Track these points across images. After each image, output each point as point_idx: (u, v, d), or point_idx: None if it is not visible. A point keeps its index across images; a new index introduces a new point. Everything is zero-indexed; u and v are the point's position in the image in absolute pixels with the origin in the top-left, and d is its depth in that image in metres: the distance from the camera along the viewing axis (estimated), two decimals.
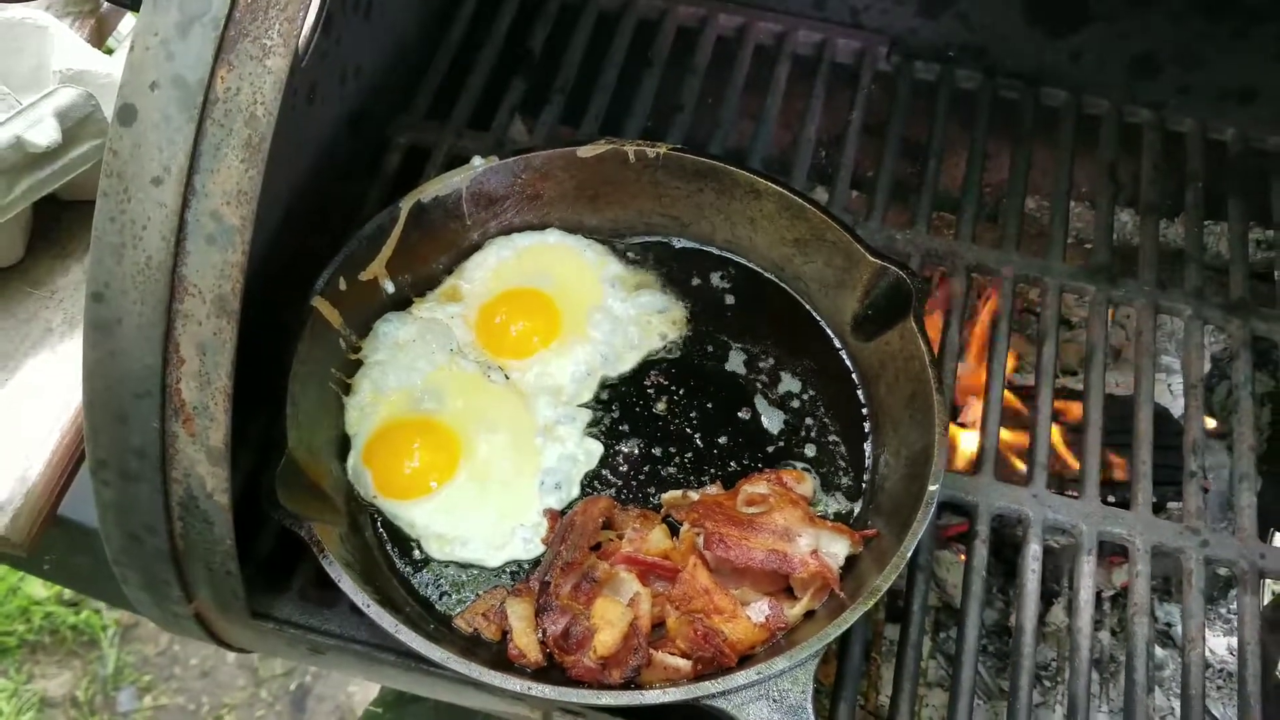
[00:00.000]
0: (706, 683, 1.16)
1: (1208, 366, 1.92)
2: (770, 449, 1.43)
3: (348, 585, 1.18)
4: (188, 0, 0.99)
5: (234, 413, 1.08)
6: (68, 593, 3.10)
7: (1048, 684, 1.70)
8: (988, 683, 1.68)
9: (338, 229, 1.49)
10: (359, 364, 1.43)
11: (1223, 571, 1.45)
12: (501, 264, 1.52)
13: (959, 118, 1.82)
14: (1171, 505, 1.68)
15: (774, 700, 1.15)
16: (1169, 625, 1.75)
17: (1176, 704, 1.66)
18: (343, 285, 1.39)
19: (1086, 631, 1.35)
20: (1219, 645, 1.74)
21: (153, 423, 1.07)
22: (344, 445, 1.39)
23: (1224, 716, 1.69)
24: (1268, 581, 1.58)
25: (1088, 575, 1.39)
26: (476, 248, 1.54)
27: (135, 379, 1.05)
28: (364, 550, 1.31)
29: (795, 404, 1.47)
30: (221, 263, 1.02)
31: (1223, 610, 1.78)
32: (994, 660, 1.70)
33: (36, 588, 3.09)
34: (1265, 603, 1.66)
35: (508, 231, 1.55)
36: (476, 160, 1.50)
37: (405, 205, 1.45)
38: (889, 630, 1.65)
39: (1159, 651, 1.72)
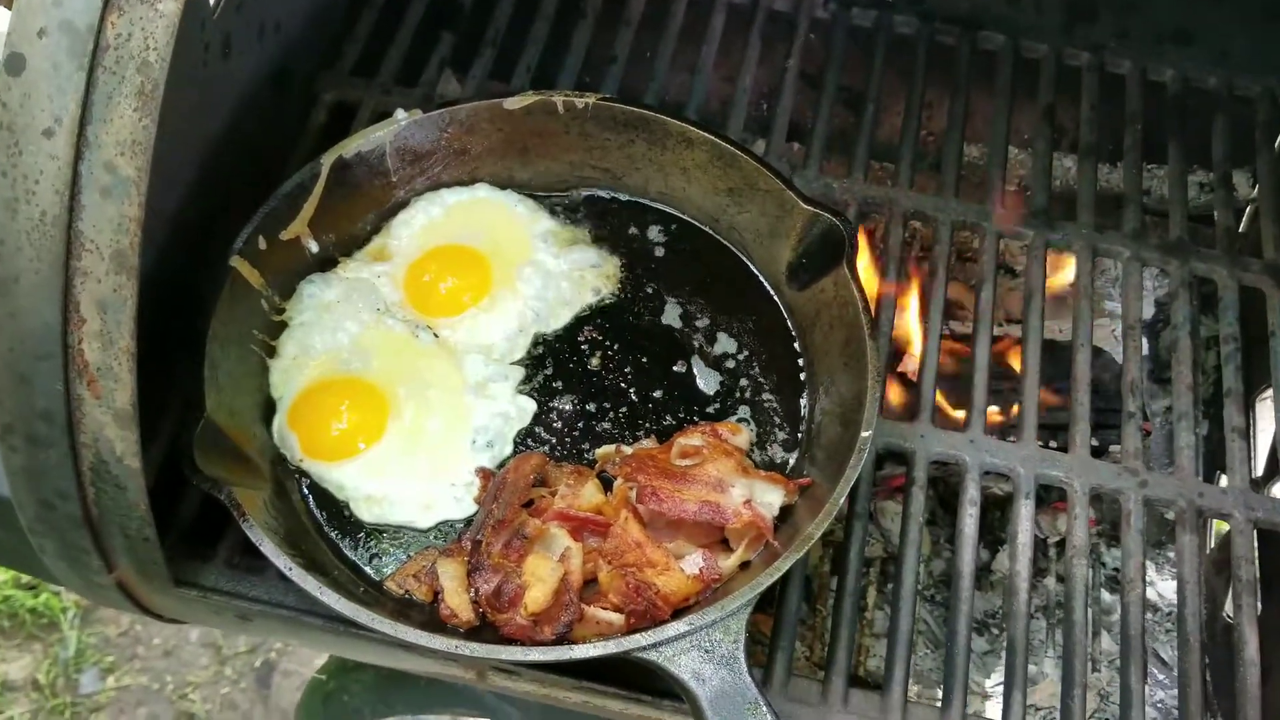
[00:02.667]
0: (636, 635, 1.14)
1: (1152, 310, 1.91)
2: (706, 403, 1.41)
3: (269, 549, 1.15)
4: None
5: (154, 376, 1.05)
6: (25, 576, 3.07)
7: (996, 631, 1.69)
8: (935, 631, 1.67)
9: (262, 188, 1.45)
10: (283, 326, 1.40)
11: (1163, 512, 1.44)
12: (430, 221, 1.49)
13: (897, 65, 1.80)
14: (1113, 448, 1.67)
15: (706, 651, 1.14)
16: (1116, 570, 1.75)
17: None
18: (263, 244, 1.36)
19: (1025, 575, 1.34)
20: (1166, 589, 1.74)
21: (56, 385, 1.04)
22: (269, 409, 1.36)
23: (1173, 660, 1.69)
24: (1213, 523, 1.58)
25: (1025, 519, 1.38)
26: (403, 205, 1.51)
27: (35, 339, 1.02)
28: (291, 515, 1.29)
29: (731, 357, 1.45)
30: (118, 216, 0.99)
31: (1170, 555, 1.78)
32: (941, 610, 1.70)
33: None
34: (1211, 544, 1.67)
35: (435, 188, 1.52)
36: (400, 114, 1.47)
37: (327, 161, 1.41)
38: (834, 582, 1.64)
39: (1106, 596, 1.72)
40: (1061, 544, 1.73)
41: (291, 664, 3.07)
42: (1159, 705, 1.63)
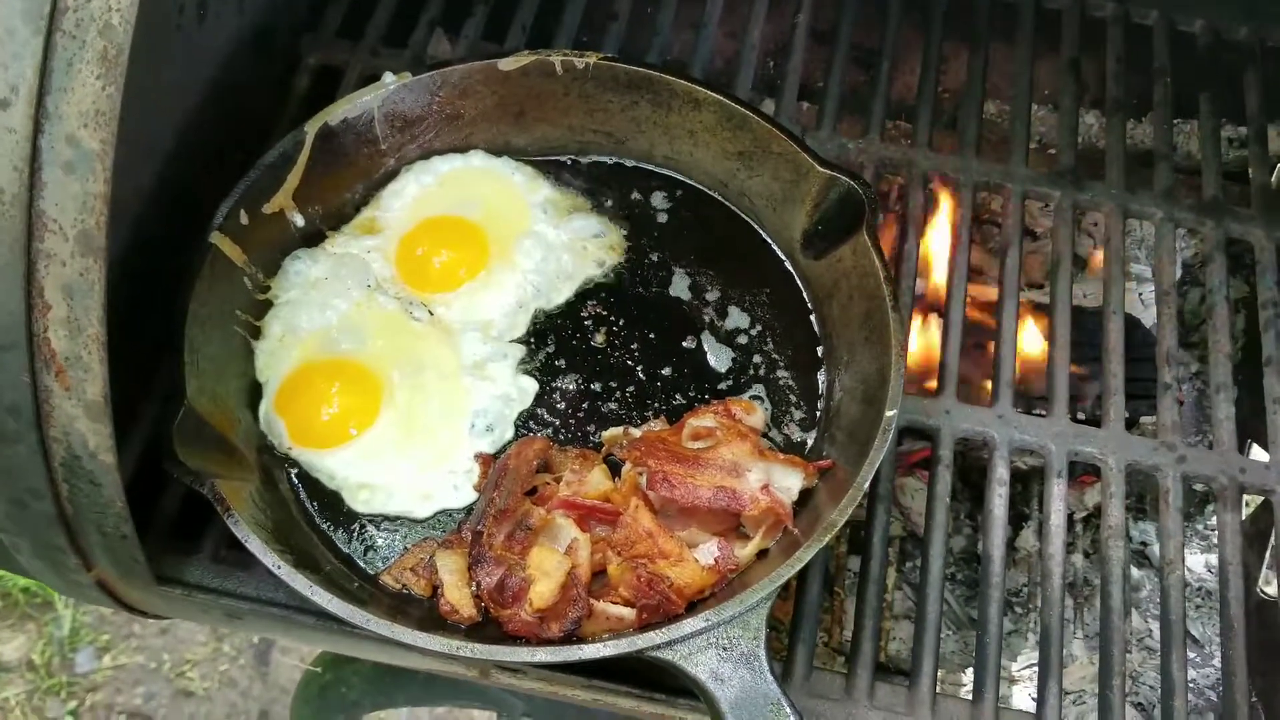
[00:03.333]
0: (650, 633, 1.07)
1: (1179, 273, 1.83)
2: (718, 381, 1.34)
3: (255, 546, 1.09)
4: None
5: (130, 363, 1.00)
6: None
7: (1019, 610, 1.63)
8: (956, 612, 1.61)
9: (243, 158, 1.37)
10: (268, 305, 1.33)
11: (1200, 488, 1.37)
12: (422, 191, 1.42)
13: (912, 19, 1.71)
14: (1144, 420, 1.60)
15: (724, 649, 1.07)
16: (1144, 544, 1.69)
17: (1154, 625, 1.60)
18: (245, 219, 1.28)
19: (1059, 558, 1.27)
20: (1196, 563, 1.68)
21: (22, 376, 0.97)
22: (255, 393, 1.29)
23: (1203, 636, 1.63)
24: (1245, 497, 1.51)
25: (1058, 499, 1.30)
26: (393, 175, 1.43)
27: None
28: (280, 507, 1.22)
29: (744, 332, 1.37)
30: (83, 194, 0.92)
31: (1199, 527, 1.71)
32: (963, 588, 1.63)
33: None
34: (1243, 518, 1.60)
35: (427, 156, 1.44)
36: (388, 77, 1.38)
37: (311, 129, 1.34)
38: (852, 562, 1.58)
39: (1135, 572, 1.65)
40: (1088, 519, 1.66)
41: (291, 640, 3.02)
42: (1190, 685, 1.57)
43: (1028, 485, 1.68)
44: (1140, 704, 1.52)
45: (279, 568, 1.08)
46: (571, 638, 1.11)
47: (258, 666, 2.98)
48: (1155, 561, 1.65)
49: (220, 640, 3.00)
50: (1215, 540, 1.57)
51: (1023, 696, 1.51)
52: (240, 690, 2.95)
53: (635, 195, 1.47)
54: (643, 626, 1.11)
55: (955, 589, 1.63)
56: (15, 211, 0.92)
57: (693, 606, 1.13)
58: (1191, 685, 1.57)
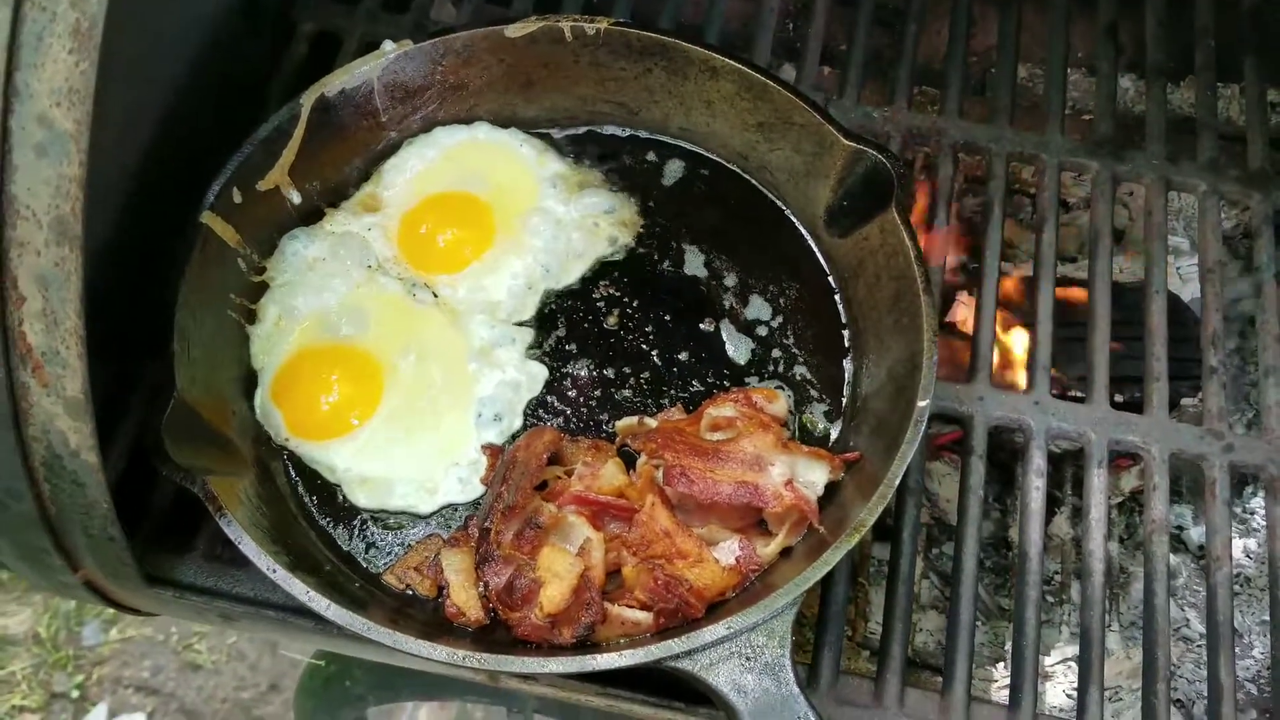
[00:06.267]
0: (668, 641, 1.01)
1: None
2: (737, 367, 1.28)
3: (249, 548, 1.03)
4: None
5: (117, 353, 0.96)
6: None
7: (1050, 600, 1.56)
8: (986, 602, 1.54)
9: (235, 133, 1.30)
10: (264, 287, 1.27)
11: (1250, 477, 1.30)
12: (425, 166, 1.36)
13: None
14: (1185, 402, 1.53)
15: (747, 658, 1.01)
16: (1179, 529, 1.62)
17: (1190, 614, 1.54)
18: (238, 197, 1.22)
19: (1099, 554, 1.21)
20: (1235, 548, 1.61)
21: None
22: (250, 382, 1.23)
23: (1242, 625, 1.56)
24: None
25: (1099, 491, 1.24)
26: (395, 148, 1.38)
27: None
28: (276, 502, 1.17)
29: (764, 317, 1.31)
30: (56, 177, 0.86)
31: (1237, 510, 1.64)
32: (992, 576, 1.57)
33: None
34: None
35: (430, 128, 1.38)
36: (388, 45, 1.32)
37: (307, 101, 1.27)
38: (878, 550, 1.51)
39: (1171, 558, 1.58)
40: (1122, 505, 1.59)
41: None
42: None
43: (1059, 468, 1.61)
44: (1179, 700, 1.46)
45: (274, 571, 1.03)
46: (585, 643, 1.06)
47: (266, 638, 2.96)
48: (1191, 547, 1.59)
49: None
50: (1253, 525, 1.52)
51: (1056, 693, 1.45)
52: (249, 663, 2.92)
53: (649, 169, 1.40)
54: (660, 631, 1.06)
55: (984, 577, 1.57)
56: None
57: (712, 608, 1.08)
58: None
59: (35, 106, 0.85)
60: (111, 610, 2.97)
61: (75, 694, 2.81)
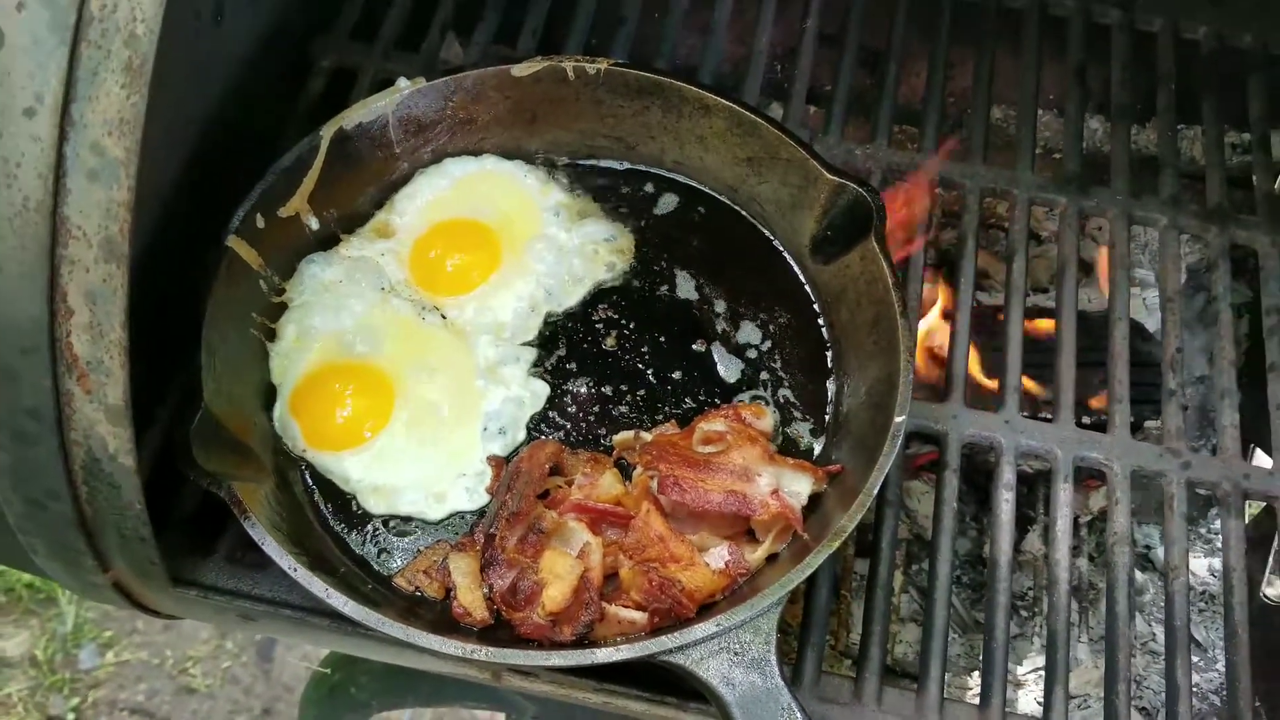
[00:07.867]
0: (662, 637, 1.08)
1: (1184, 278, 1.84)
2: (728, 385, 1.35)
3: (272, 549, 1.09)
4: None
5: (152, 365, 1.00)
6: None
7: (1024, 614, 1.64)
8: (962, 615, 1.62)
9: (258, 162, 1.38)
10: (283, 308, 1.33)
11: (1204, 493, 1.38)
12: (435, 195, 1.42)
13: (919, 24, 1.72)
14: (1148, 424, 1.61)
15: (735, 653, 1.08)
16: (1148, 548, 1.70)
17: (1157, 629, 1.61)
18: (260, 223, 1.29)
19: (1065, 564, 1.28)
20: (1199, 567, 1.69)
21: (44, 380, 0.98)
22: (270, 395, 1.30)
23: (1205, 640, 1.64)
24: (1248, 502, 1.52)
25: (1065, 504, 1.32)
26: (407, 178, 1.44)
27: (21, 333, 0.95)
28: (294, 508, 1.23)
29: (753, 339, 1.38)
30: (107, 201, 0.92)
31: (1202, 530, 1.72)
32: (968, 591, 1.64)
33: None
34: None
35: (440, 159, 1.44)
36: (402, 82, 1.39)
37: (326, 133, 1.34)
38: (859, 565, 1.59)
39: (1139, 576, 1.66)
40: (1092, 523, 1.67)
41: (304, 642, 3.03)
42: (1194, 690, 1.58)
43: (1033, 488, 1.69)
44: (1144, 708, 1.54)
45: (295, 570, 1.09)
46: (583, 641, 1.12)
47: (260, 664, 2.99)
48: (1159, 565, 1.66)
49: (223, 637, 3.00)
50: (1218, 544, 1.59)
51: (1028, 700, 1.52)
52: (243, 687, 2.95)
53: (646, 200, 1.48)
54: (654, 630, 1.12)
55: (960, 592, 1.64)
56: (39, 218, 0.92)
57: (703, 610, 1.14)
58: (1195, 690, 1.57)
59: (89, 136, 0.90)
60: (109, 633, 3.00)
61: (71, 716, 2.83)
